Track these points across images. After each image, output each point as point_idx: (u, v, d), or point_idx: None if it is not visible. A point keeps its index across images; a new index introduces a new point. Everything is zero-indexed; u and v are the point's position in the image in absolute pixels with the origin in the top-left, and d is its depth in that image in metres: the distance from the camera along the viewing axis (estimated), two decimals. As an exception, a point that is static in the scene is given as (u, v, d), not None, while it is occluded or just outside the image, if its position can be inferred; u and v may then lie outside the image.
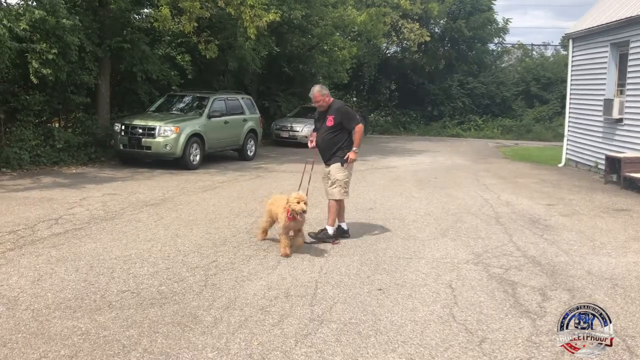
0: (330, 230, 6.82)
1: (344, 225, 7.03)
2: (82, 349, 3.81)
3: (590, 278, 5.55)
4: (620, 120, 12.73)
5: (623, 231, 7.66)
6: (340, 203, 6.92)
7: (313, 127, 7.41)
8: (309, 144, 7.03)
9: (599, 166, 13.30)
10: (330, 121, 6.76)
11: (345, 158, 6.73)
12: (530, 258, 6.23)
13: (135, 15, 15.72)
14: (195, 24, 14.41)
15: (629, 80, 12.58)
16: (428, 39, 28.77)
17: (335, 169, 6.78)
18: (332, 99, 6.94)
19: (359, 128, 6.77)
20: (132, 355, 3.74)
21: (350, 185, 7.02)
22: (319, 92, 6.75)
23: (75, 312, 4.45)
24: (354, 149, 6.76)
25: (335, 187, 6.79)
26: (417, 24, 28.87)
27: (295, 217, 6.03)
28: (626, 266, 5.99)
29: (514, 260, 6.12)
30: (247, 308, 4.59)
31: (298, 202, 5.99)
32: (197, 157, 13.82)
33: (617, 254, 6.47)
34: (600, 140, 13.69)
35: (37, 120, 13.51)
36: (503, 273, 5.66)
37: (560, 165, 15.87)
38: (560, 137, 19.41)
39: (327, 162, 6.89)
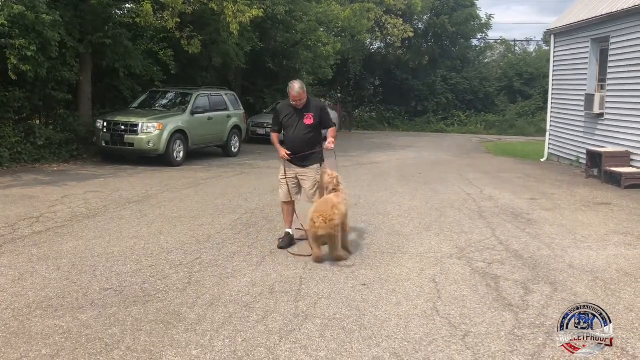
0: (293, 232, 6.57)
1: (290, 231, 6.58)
2: (64, 348, 3.78)
3: (571, 271, 5.62)
4: (601, 115, 12.89)
5: (604, 225, 7.76)
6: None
7: (274, 127, 6.64)
8: (283, 155, 6.35)
9: (581, 161, 13.46)
10: (309, 119, 6.32)
11: (321, 150, 6.45)
12: (513, 252, 6.29)
13: (117, 10, 15.50)
14: (178, 20, 14.30)
15: (609, 76, 12.73)
16: (412, 34, 28.89)
17: (312, 170, 6.42)
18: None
19: (334, 128, 6.70)
20: (115, 354, 3.71)
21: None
22: (302, 89, 6.20)
23: (57, 310, 4.40)
24: (331, 139, 6.40)
25: (311, 190, 6.41)
26: (401, 19, 28.97)
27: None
28: (606, 259, 6.07)
29: (496, 254, 6.17)
30: (231, 305, 4.58)
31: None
32: (181, 154, 13.75)
33: (598, 247, 6.55)
34: (581, 135, 13.85)
35: (17, 117, 13.32)
36: (486, 267, 5.71)
37: (542, 160, 16.03)
38: (542, 132, 19.62)
39: (304, 163, 6.40)
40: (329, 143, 6.40)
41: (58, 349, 3.76)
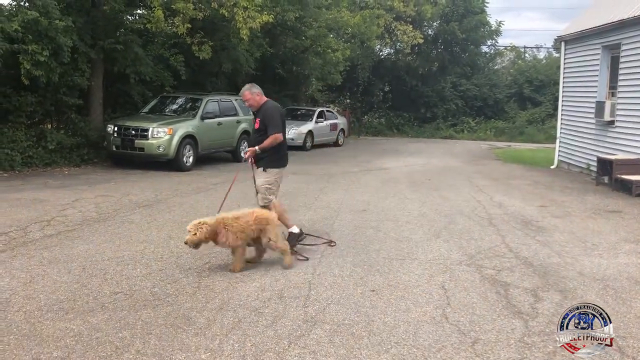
0: (296, 230, 6.59)
1: (295, 230, 6.61)
2: (75, 351, 3.80)
3: (581, 279, 5.58)
4: (612, 122, 12.81)
5: (614, 233, 7.70)
6: (274, 206, 6.37)
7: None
8: (245, 155, 6.51)
9: (591, 168, 13.38)
10: (257, 123, 6.43)
11: (245, 157, 6.46)
12: (523, 259, 6.26)
13: (128, 16, 15.68)
14: (189, 25, 14.41)
15: (620, 83, 12.66)
16: (421, 41, 28.88)
17: (258, 173, 6.51)
18: (265, 98, 6.55)
19: (275, 136, 6.30)
20: (125, 357, 3.73)
21: (278, 192, 6.64)
22: (248, 91, 6.37)
23: (68, 313, 4.43)
24: (257, 146, 6.31)
25: (259, 194, 6.53)
26: (411, 26, 28.98)
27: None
28: (617, 267, 6.03)
29: (506, 262, 6.15)
30: (241, 309, 4.59)
31: (189, 230, 5.52)
32: (190, 159, 13.81)
33: (609, 255, 6.51)
34: (592, 142, 13.77)
35: (29, 122, 13.47)
36: (495, 274, 5.69)
37: (552, 167, 15.95)
38: (552, 139, 19.52)
39: (258, 164, 6.49)
40: (251, 149, 6.36)
41: (69, 352, 3.79)
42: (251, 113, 16.37)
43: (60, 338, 3.99)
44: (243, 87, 6.54)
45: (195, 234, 5.45)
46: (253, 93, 6.42)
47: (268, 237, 5.74)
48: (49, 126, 14.53)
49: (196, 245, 5.53)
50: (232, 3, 14.17)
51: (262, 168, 6.45)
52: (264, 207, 6.35)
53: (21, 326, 4.18)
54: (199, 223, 5.49)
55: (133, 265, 5.74)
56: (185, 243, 5.51)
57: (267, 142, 6.30)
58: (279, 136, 6.37)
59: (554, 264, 6.08)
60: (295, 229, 6.63)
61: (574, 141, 15.05)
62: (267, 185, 6.46)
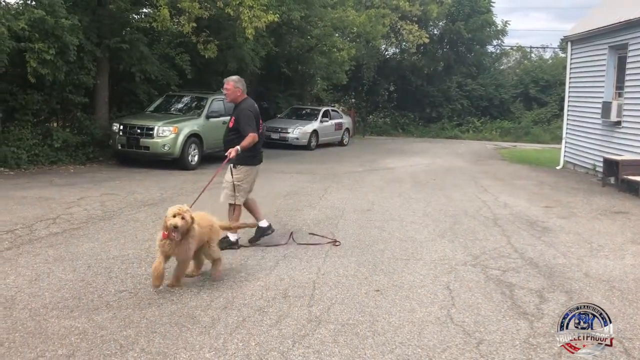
0: (232, 237, 6.36)
1: (232, 237, 6.36)
2: (80, 349, 3.81)
3: (587, 280, 5.56)
4: (619, 123, 12.75)
5: (621, 234, 7.67)
6: (237, 208, 6.36)
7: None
8: (230, 156, 6.16)
9: (597, 169, 13.32)
10: (231, 122, 6.33)
11: (229, 157, 6.15)
12: (528, 260, 6.24)
13: (134, 15, 15.71)
14: (194, 24, 14.42)
15: (627, 83, 12.60)
16: (427, 40, 28.81)
17: (227, 170, 6.37)
18: (245, 96, 6.42)
19: (251, 137, 6.17)
20: (129, 355, 3.74)
21: (247, 191, 6.51)
22: (233, 82, 6.26)
23: (73, 311, 4.44)
24: (238, 146, 6.10)
25: (223, 190, 6.42)
26: (416, 25, 28.89)
27: (170, 235, 4.80)
28: (623, 269, 6.00)
29: (511, 262, 6.13)
30: (245, 308, 4.59)
31: (174, 215, 4.80)
32: (196, 158, 13.84)
33: (615, 257, 6.48)
34: (598, 142, 13.71)
35: (35, 120, 13.51)
36: (501, 275, 5.67)
37: (558, 167, 15.90)
38: (558, 139, 19.45)
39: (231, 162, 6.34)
40: (233, 150, 6.08)
41: (74, 349, 3.79)
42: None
43: (65, 336, 4.00)
44: (230, 77, 6.44)
45: (184, 218, 4.79)
46: (236, 87, 6.32)
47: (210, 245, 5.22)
48: (55, 124, 14.59)
49: (183, 234, 4.82)
50: (237, 2, 14.17)
51: (231, 165, 6.31)
52: (230, 205, 6.34)
53: (26, 324, 4.19)
54: (181, 209, 4.84)
55: (138, 263, 5.74)
56: (175, 227, 4.73)
57: (245, 142, 6.13)
58: (255, 136, 6.23)
59: (560, 265, 6.06)
60: (264, 223, 6.59)
61: (580, 142, 14.99)
62: (236, 182, 6.31)
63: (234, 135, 6.33)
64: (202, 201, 5.79)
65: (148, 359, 3.70)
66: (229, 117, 15.19)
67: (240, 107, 6.40)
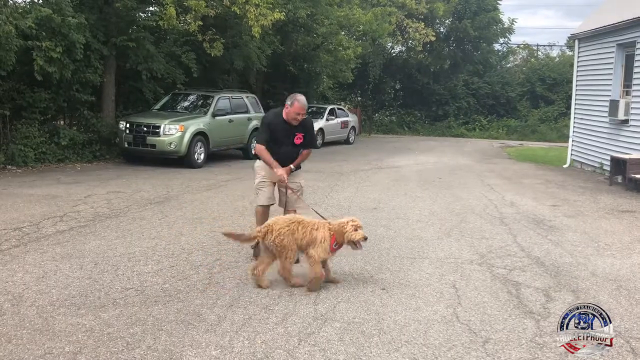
0: None
1: None
2: (86, 346, 3.83)
3: (594, 279, 5.54)
4: (626, 121, 12.68)
5: (628, 233, 7.63)
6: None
7: (267, 139, 5.85)
8: (282, 176, 5.73)
9: (604, 167, 13.25)
10: (299, 139, 5.90)
11: (285, 180, 5.80)
12: (535, 259, 6.22)
13: (140, 13, 15.76)
14: (200, 23, 14.44)
15: (635, 82, 12.53)
16: (433, 38, 28.73)
17: (294, 175, 6.03)
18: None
19: (310, 151, 6.12)
20: (136, 353, 3.75)
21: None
22: (306, 106, 5.82)
23: (80, 309, 4.46)
24: (292, 165, 5.91)
25: (299, 196, 6.09)
26: (423, 23, 28.83)
27: (358, 245, 5.07)
28: (631, 268, 5.96)
29: (518, 261, 6.11)
30: (251, 306, 4.60)
31: (356, 229, 4.99)
32: (202, 156, 13.86)
33: (622, 256, 6.45)
34: (605, 141, 13.64)
35: (42, 118, 13.58)
36: (507, 273, 5.65)
37: (565, 166, 15.83)
38: (565, 137, 19.37)
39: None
40: (284, 173, 5.72)
41: (81, 347, 3.81)
42: (262, 110, 16.51)
43: (72, 333, 4.02)
44: (302, 99, 5.75)
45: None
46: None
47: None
48: (62, 122, 14.66)
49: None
50: (243, 0, 14.18)
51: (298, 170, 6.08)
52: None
53: (34, 321, 4.21)
54: (356, 221, 5.07)
55: (144, 261, 5.76)
56: (365, 239, 5.04)
57: (301, 158, 6.02)
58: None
59: (566, 264, 6.04)
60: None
61: (587, 140, 14.91)
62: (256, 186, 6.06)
63: (297, 148, 5.98)
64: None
65: (154, 357, 3.71)
66: (235, 115, 15.23)
67: (305, 124, 5.93)
